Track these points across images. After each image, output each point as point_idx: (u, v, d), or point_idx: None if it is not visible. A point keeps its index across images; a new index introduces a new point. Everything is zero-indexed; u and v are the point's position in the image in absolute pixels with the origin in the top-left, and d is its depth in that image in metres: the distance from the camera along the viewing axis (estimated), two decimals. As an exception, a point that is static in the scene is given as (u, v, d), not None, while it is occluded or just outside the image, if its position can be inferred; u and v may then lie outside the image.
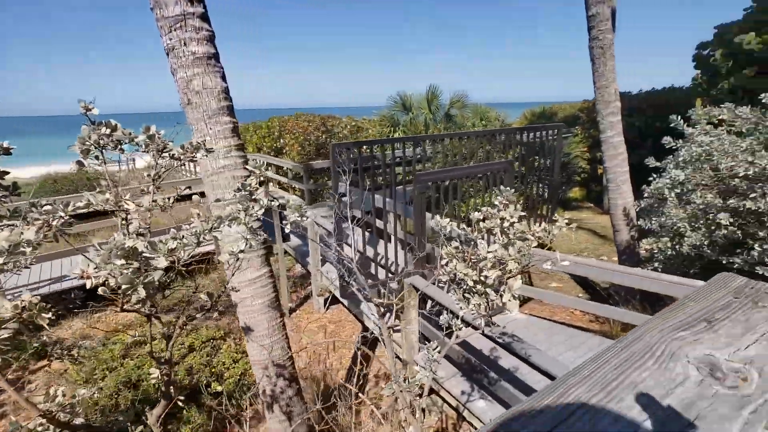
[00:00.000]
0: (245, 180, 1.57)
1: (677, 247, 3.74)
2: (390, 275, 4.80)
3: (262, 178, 1.68)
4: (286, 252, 7.80)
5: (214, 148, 2.44)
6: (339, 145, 3.80)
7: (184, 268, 1.20)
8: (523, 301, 6.57)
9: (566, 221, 1.85)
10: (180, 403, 1.64)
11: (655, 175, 4.15)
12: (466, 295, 1.92)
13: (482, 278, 1.83)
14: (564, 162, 10.60)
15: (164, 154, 1.37)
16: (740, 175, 3.21)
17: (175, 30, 2.31)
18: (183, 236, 1.18)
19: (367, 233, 6.67)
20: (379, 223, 6.97)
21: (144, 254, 1.05)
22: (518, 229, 1.75)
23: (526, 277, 7.54)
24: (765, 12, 5.80)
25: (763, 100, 3.68)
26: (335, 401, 3.77)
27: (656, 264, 4.10)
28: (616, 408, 0.51)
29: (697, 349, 0.60)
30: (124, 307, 1.13)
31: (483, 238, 1.93)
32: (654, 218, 3.95)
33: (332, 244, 3.65)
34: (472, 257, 1.85)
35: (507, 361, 3.60)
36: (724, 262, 3.43)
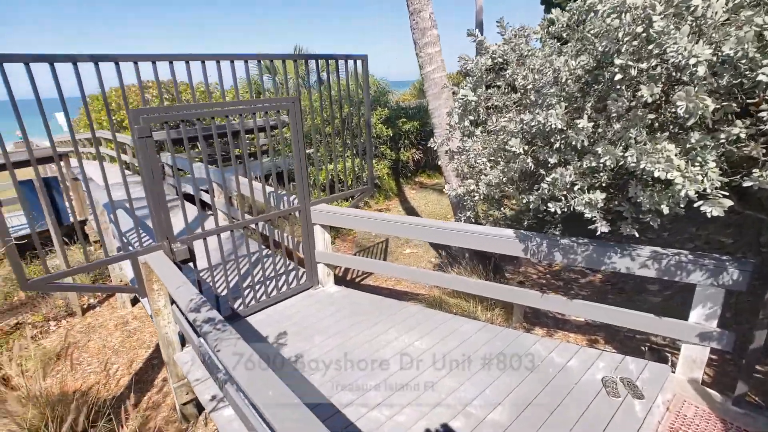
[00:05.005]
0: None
1: (479, 189, 3.08)
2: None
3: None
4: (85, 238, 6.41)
5: None
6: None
7: None
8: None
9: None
10: None
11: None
12: None
13: None
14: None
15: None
16: (524, 85, 2.57)
17: None
18: None
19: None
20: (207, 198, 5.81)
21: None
22: None
23: (383, 243, 6.85)
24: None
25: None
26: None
27: (468, 213, 3.47)
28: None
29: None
30: None
31: None
32: (456, 158, 3.26)
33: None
34: None
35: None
36: (525, 201, 2.81)
